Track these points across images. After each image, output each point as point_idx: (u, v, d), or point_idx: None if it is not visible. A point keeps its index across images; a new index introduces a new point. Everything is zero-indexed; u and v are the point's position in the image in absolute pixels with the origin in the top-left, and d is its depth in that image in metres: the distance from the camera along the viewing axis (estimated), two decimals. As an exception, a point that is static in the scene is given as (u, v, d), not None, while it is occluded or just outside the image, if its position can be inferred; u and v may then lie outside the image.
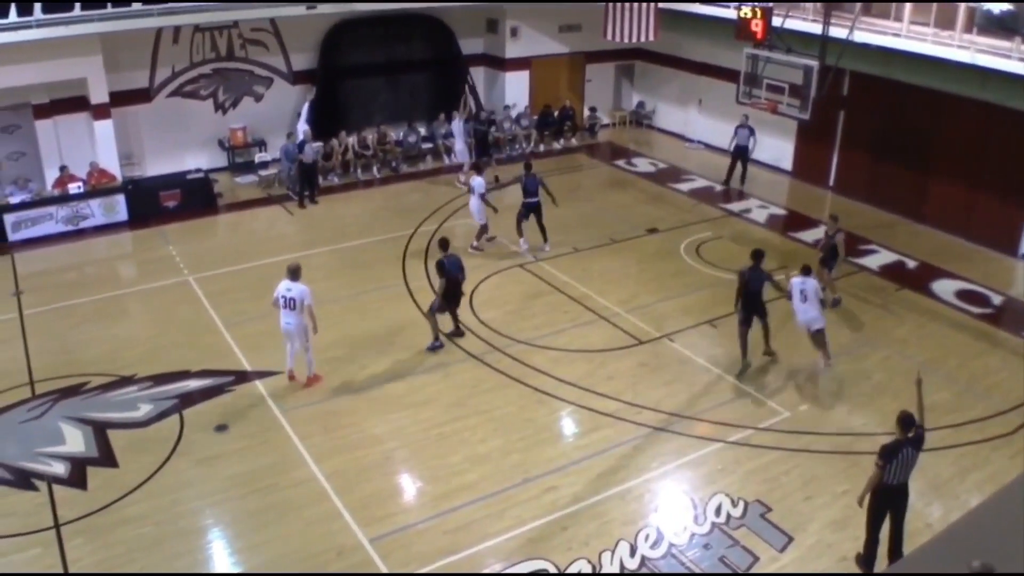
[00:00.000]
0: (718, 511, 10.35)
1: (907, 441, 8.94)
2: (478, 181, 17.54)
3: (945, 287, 16.40)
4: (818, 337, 13.38)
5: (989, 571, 4.94)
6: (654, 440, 11.76)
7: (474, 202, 17.51)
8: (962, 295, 16.10)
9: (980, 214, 18.26)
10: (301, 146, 19.61)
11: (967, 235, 18.41)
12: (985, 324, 15.11)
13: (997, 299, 16.05)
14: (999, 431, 11.87)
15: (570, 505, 10.42)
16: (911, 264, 17.44)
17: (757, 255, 13.22)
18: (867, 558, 9.44)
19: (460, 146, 21.55)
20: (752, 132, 21.05)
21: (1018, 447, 11.66)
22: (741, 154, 21.32)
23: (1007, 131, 17.23)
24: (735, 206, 20.37)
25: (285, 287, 12.28)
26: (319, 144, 20.73)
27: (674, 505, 10.52)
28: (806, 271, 13.22)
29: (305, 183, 19.92)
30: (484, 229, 17.75)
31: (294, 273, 12.31)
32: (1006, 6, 14.40)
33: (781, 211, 20.24)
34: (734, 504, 10.45)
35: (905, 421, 8.97)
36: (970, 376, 13.33)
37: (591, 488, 10.73)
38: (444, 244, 14.17)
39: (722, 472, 11.09)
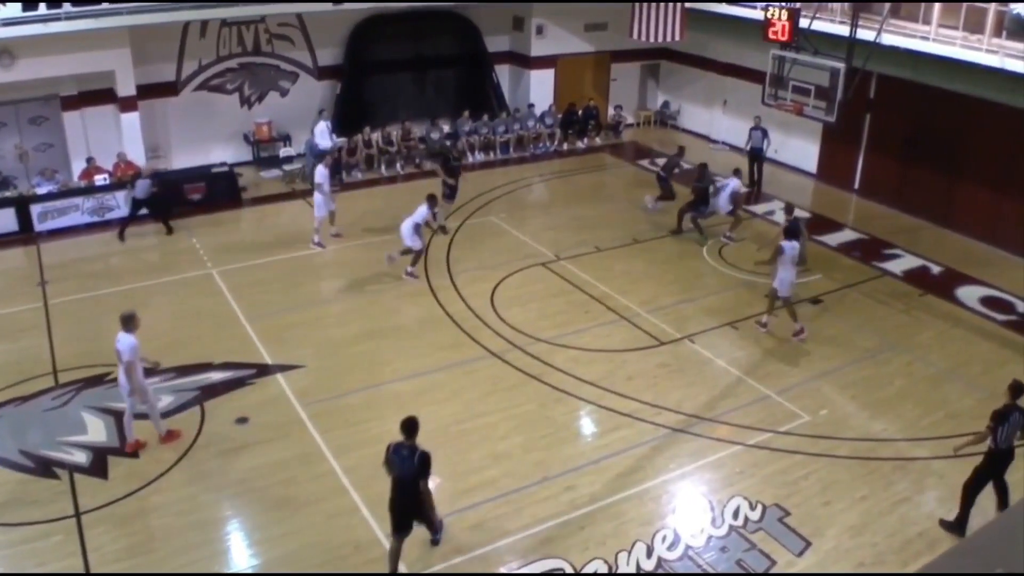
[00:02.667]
0: (736, 514, 10.31)
1: (1016, 407, 9.58)
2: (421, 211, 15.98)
3: (970, 293, 16.24)
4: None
5: None
6: (673, 441, 11.73)
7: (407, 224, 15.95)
8: (987, 302, 15.94)
9: (1008, 220, 18.05)
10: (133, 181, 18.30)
11: (994, 241, 18.22)
12: (1010, 331, 14.94)
13: (1023, 307, 15.87)
14: (1021, 440, 11.71)
15: (588, 505, 10.41)
16: (936, 269, 17.29)
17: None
18: (960, 522, 9.92)
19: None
20: (765, 134, 21.00)
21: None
22: (756, 156, 21.28)
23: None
24: (758, 208, 20.28)
25: (117, 337, 10.77)
26: (341, 140, 20.74)
27: (692, 507, 10.49)
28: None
29: (133, 215, 18.09)
30: (419, 254, 16.22)
31: (125, 322, 10.79)
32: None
33: (805, 214, 20.07)
34: (752, 507, 10.40)
35: (1016, 388, 9.64)
36: (994, 383, 13.10)
37: (609, 488, 10.72)
38: None
39: (741, 475, 11.05)
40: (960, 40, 15.59)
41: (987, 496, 10.56)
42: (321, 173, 16.92)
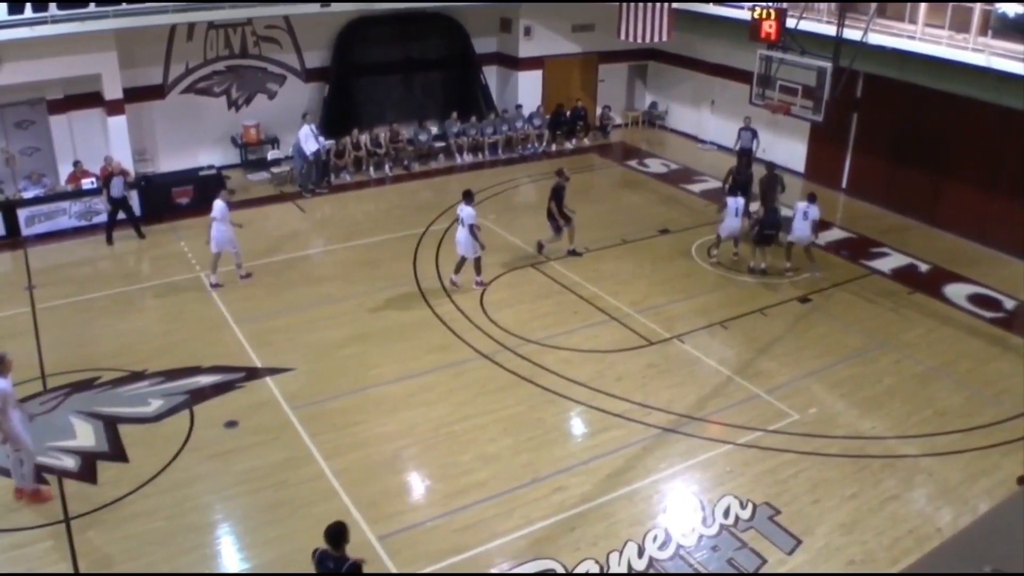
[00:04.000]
0: (726, 513, 10.33)
1: None
2: (467, 211, 15.60)
3: (958, 291, 16.32)
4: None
5: None
6: (663, 441, 11.74)
7: (461, 233, 15.69)
8: (975, 299, 16.02)
9: (995, 218, 18.15)
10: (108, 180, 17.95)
11: (982, 239, 18.31)
12: (998, 329, 15.02)
13: (1010, 304, 15.95)
14: (1009, 436, 11.79)
15: (578, 505, 10.41)
16: (923, 268, 17.36)
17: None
18: None
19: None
20: (755, 134, 21.03)
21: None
22: (745, 156, 20.95)
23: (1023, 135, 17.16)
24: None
25: None
26: (329, 142, 20.66)
27: (682, 506, 10.50)
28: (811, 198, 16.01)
29: (114, 217, 17.93)
30: (463, 262, 15.88)
31: None
32: (1021, 9, 14.35)
33: (790, 212, 20.10)
34: (743, 506, 10.42)
35: None
36: (982, 381, 13.26)
37: (600, 488, 10.73)
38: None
39: (731, 474, 11.07)
40: (946, 39, 15.65)
41: (976, 494, 10.65)
42: (218, 207, 15.49)
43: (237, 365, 13.21)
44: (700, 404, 12.61)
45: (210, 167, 20.04)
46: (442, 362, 13.50)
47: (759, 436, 11.84)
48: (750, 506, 10.42)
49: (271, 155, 20.99)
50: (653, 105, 27.11)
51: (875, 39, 16.32)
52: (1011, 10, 14.61)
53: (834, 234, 18.89)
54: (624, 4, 20.66)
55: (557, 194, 16.82)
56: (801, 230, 16.42)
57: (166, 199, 19.07)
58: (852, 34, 16.08)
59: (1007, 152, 17.76)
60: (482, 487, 10.68)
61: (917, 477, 11.03)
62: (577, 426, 12.24)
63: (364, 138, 21.78)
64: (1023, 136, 17.15)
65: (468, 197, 15.72)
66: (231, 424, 11.77)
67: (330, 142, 20.83)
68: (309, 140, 19.77)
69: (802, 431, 11.97)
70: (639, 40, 21.24)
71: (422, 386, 12.87)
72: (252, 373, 13.02)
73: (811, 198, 16.48)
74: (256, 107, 21.66)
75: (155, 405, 12.06)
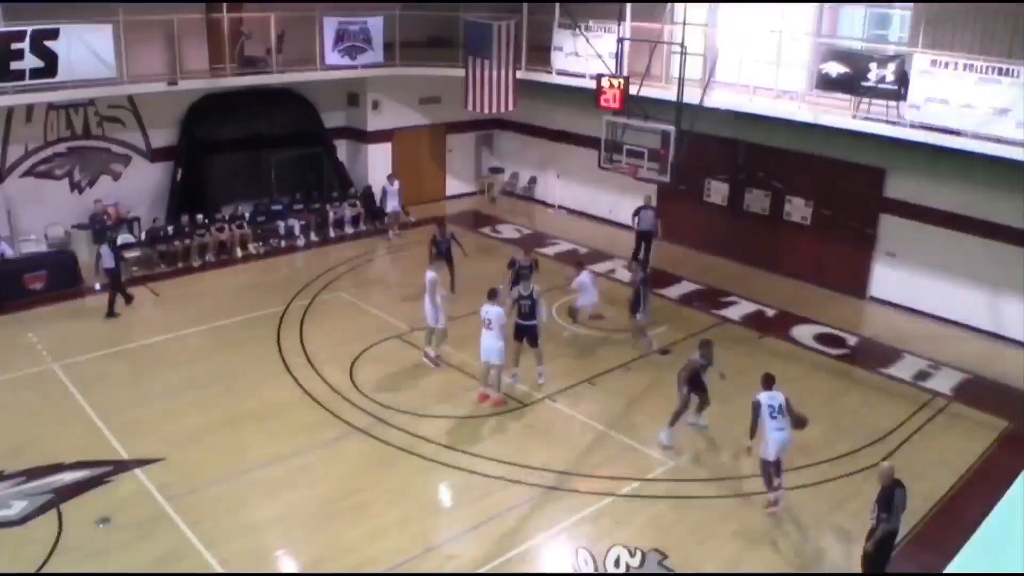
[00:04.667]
0: (617, 562, 10.53)
1: (896, 485, 9.81)
2: (430, 276, 15.64)
3: (804, 332, 17.43)
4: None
5: None
6: (548, 499, 11.94)
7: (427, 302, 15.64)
8: (820, 338, 17.17)
9: (829, 262, 19.57)
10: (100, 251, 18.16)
11: (819, 282, 19.68)
12: (843, 363, 16.15)
13: (852, 340, 17.19)
14: (868, 462, 12.65)
15: (473, 570, 10.44)
16: (770, 312, 18.44)
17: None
18: None
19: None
20: (657, 214, 20.47)
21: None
22: (646, 237, 20.52)
23: (849, 183, 18.68)
24: (600, 267, 20.97)
25: None
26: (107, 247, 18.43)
27: (574, 561, 10.66)
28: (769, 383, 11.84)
29: (112, 288, 17.80)
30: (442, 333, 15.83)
31: None
32: (843, 69, 15.76)
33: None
34: (632, 554, 10.66)
35: (888, 473, 9.91)
36: (836, 413, 14.18)
37: (492, 552, 10.79)
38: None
39: (617, 524, 11.37)
40: (775, 96, 16.97)
41: (847, 519, 11.29)
42: (429, 278, 15.64)
43: (103, 459, 12.54)
44: (579, 460, 12.91)
45: (61, 251, 19.11)
46: (318, 440, 13.29)
47: (639, 485, 12.24)
48: (639, 554, 10.66)
49: (121, 239, 20.15)
50: (496, 170, 27.63)
51: (711, 102, 17.47)
52: (833, 70, 16.03)
53: (684, 287, 19.80)
54: (470, 76, 21.27)
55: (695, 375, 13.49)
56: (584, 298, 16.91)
57: (17, 285, 18.11)
58: (691, 97, 17.08)
59: (835, 198, 19.21)
60: (375, 562, 10.56)
61: (792, 509, 11.63)
62: (462, 492, 12.27)
63: (224, 216, 21.35)
64: (849, 183, 18.66)
65: (492, 295, 14.49)
66: (104, 521, 11.15)
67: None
68: (108, 259, 18.06)
69: (679, 477, 12.46)
70: (485, 111, 21.88)
71: (301, 466, 12.62)
72: (120, 466, 12.40)
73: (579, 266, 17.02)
74: (100, 189, 20.90)
75: (18, 507, 11.30)
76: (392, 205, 22.83)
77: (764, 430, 11.44)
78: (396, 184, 22.98)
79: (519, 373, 15.21)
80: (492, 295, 14.38)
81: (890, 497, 9.65)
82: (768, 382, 11.64)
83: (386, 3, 22.51)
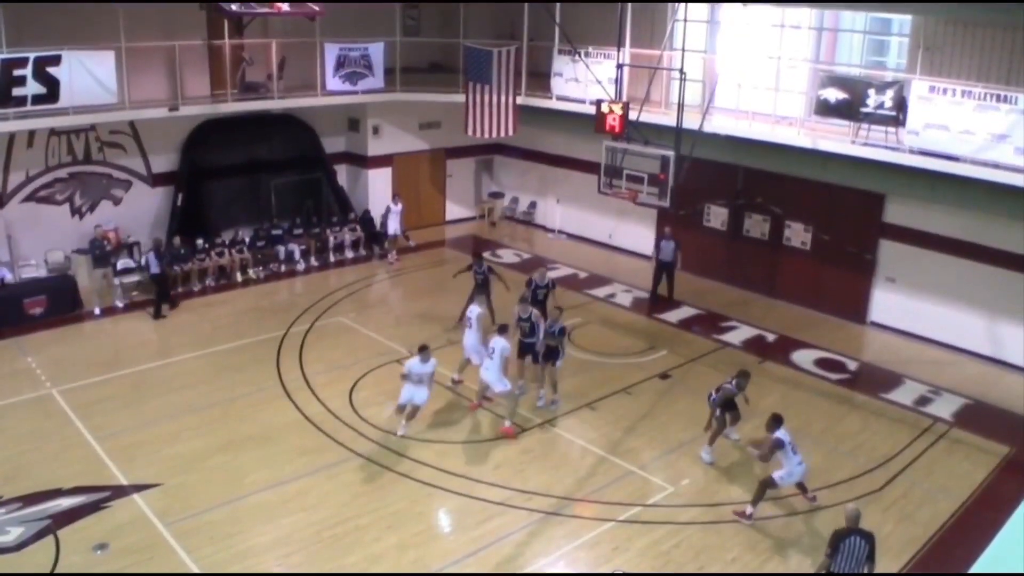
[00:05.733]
0: (617, 589, 10.54)
1: (853, 531, 9.54)
2: (476, 311, 15.66)
3: (804, 357, 17.41)
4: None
5: None
6: (547, 525, 11.88)
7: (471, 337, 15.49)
8: (821, 363, 17.15)
9: (828, 287, 19.58)
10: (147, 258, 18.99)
11: (818, 307, 19.69)
12: (844, 389, 16.15)
13: (852, 364, 17.19)
14: (868, 488, 12.62)
15: (472, 597, 10.39)
16: (770, 337, 18.43)
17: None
18: None
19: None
20: (678, 246, 20.12)
21: (887, 502, 12.50)
22: (666, 268, 20.36)
23: (848, 208, 18.73)
24: (600, 291, 21.03)
25: None
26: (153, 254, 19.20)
27: (574, 588, 10.64)
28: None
29: (158, 294, 19.04)
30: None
31: None
32: (842, 95, 15.85)
33: (644, 294, 20.99)
34: (631, 581, 10.66)
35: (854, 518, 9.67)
36: (836, 439, 14.16)
37: (491, 578, 10.74)
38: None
39: (616, 550, 11.31)
40: (774, 122, 17.05)
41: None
42: (475, 312, 15.63)
43: (100, 484, 12.48)
44: (578, 485, 12.85)
45: (62, 276, 19.18)
46: (316, 464, 13.23)
47: (638, 511, 12.18)
48: (639, 581, 10.67)
49: (121, 263, 20.19)
50: (495, 194, 27.74)
51: (711, 127, 17.55)
52: (832, 96, 16.12)
53: (684, 312, 19.79)
54: (470, 101, 21.38)
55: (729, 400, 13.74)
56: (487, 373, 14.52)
57: (17, 310, 18.11)
58: (691, 123, 17.13)
59: (835, 224, 19.26)
60: (372, 588, 10.50)
61: (789, 535, 11.58)
62: (461, 517, 12.19)
63: (224, 240, 21.39)
64: (848, 208, 18.72)
65: (503, 330, 14.49)
66: (101, 547, 11.07)
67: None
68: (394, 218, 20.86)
69: (678, 502, 12.39)
70: (485, 135, 21.98)
71: (298, 491, 12.56)
72: (118, 491, 12.33)
73: (502, 329, 14.57)
74: (101, 214, 20.94)
75: (15, 533, 11.23)
76: (393, 227, 22.86)
77: (786, 463, 11.74)
78: (400, 205, 23.06)
79: (524, 384, 15.42)
80: (503, 330, 14.46)
81: (841, 538, 9.40)
82: (777, 422, 11.89)
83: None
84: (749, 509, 11.89)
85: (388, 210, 23.05)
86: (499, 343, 14.20)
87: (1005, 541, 5.94)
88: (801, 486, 12.23)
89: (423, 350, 13.84)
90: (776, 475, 11.78)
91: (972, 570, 5.56)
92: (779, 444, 11.64)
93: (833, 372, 16.85)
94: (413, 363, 13.75)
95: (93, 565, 10.79)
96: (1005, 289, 16.75)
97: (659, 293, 20.61)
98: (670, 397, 15.56)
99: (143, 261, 19.34)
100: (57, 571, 10.64)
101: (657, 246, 20.62)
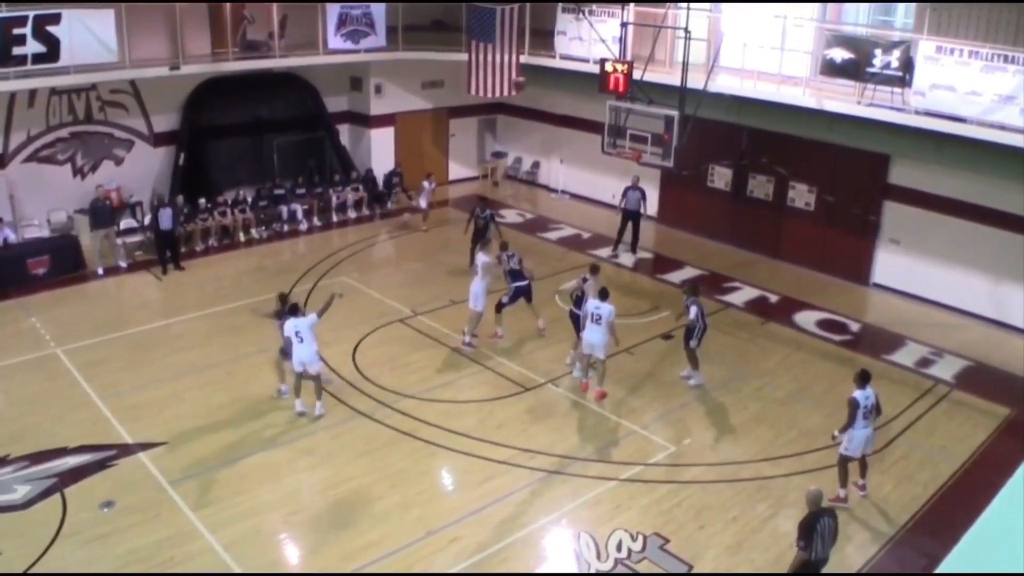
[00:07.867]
0: (619, 547, 10.64)
1: (822, 512, 9.32)
2: (484, 260, 15.96)
3: (807, 318, 17.42)
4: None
5: None
6: (549, 483, 11.98)
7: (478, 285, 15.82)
8: (823, 324, 17.17)
9: (831, 248, 19.55)
10: (156, 212, 19.09)
11: (821, 268, 19.67)
12: (846, 350, 16.16)
13: (855, 326, 17.21)
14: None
15: (475, 554, 10.49)
16: (773, 298, 18.44)
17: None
18: None
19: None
20: (643, 195, 20.40)
21: (888, 463, 12.56)
22: (632, 218, 20.55)
23: (853, 169, 18.63)
24: (604, 252, 20.99)
25: None
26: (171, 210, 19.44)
27: (576, 544, 10.73)
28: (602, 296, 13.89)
29: (164, 250, 19.25)
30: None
31: None
32: (848, 55, 15.70)
33: (648, 255, 20.99)
34: (633, 538, 10.76)
35: (816, 497, 9.43)
36: (838, 400, 14.07)
37: (494, 535, 10.84)
38: None
39: (618, 509, 11.41)
40: (779, 82, 16.91)
41: (848, 505, 11.32)
42: (482, 260, 16.04)
43: (106, 443, 12.59)
44: (581, 445, 12.95)
45: (65, 235, 19.13)
46: (320, 424, 13.31)
47: (640, 470, 12.27)
48: (640, 538, 10.77)
49: (124, 223, 20.19)
50: (497, 154, 27.64)
51: (715, 87, 17.42)
52: (838, 56, 15.96)
53: (687, 272, 19.79)
54: (473, 60, 21.19)
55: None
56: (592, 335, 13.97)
57: (20, 270, 18.11)
58: (695, 83, 17.00)
59: (839, 185, 19.19)
60: (377, 546, 10.60)
61: (790, 495, 11.66)
62: (464, 476, 12.29)
63: (215, 203, 21.29)
64: (853, 170, 18.63)
65: (604, 295, 14.00)
66: (107, 504, 11.20)
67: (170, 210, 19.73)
68: (167, 220, 18.91)
69: (680, 462, 12.49)
70: (488, 95, 21.78)
71: (302, 450, 12.67)
72: (124, 450, 12.44)
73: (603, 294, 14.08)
74: (103, 174, 20.88)
75: (22, 491, 11.35)
76: (424, 202, 22.65)
77: (851, 428, 11.28)
78: (433, 184, 22.94)
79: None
80: (604, 295, 13.95)
81: (812, 524, 9.18)
82: (864, 379, 11.45)
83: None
84: (842, 492, 11.48)
85: (423, 187, 22.77)
86: (604, 308, 13.71)
87: (1004, 502, 5.97)
88: (863, 465, 11.66)
89: (291, 305, 13.49)
90: (842, 450, 11.37)
91: (971, 533, 5.59)
92: (852, 404, 11.24)
93: (835, 333, 16.87)
94: (291, 322, 13.14)
95: (99, 523, 10.91)
96: (1009, 252, 16.70)
97: (622, 241, 20.87)
98: (672, 358, 15.58)
99: (153, 217, 19.22)
100: (64, 528, 10.76)
101: (624, 195, 20.56)
